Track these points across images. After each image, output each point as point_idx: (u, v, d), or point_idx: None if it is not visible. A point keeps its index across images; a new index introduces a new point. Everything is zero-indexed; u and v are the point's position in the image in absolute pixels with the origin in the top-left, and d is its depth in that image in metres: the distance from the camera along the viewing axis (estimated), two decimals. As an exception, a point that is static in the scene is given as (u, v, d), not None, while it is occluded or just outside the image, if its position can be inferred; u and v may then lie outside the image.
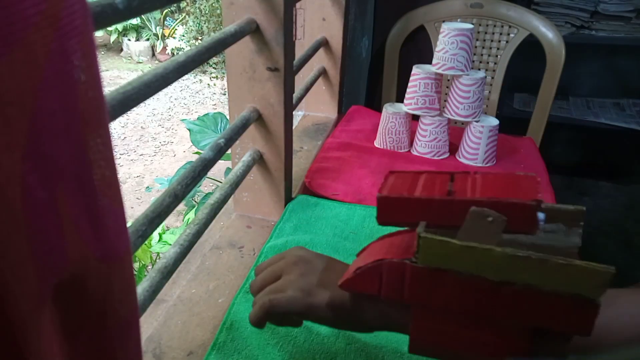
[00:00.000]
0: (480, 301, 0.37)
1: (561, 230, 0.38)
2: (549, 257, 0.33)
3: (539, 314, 0.35)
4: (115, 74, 4.52)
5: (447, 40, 0.92)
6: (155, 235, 1.78)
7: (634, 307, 0.38)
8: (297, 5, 1.08)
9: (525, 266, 0.34)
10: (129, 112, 0.51)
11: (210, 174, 1.91)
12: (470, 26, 0.92)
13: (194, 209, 1.98)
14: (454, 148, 1.02)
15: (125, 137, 3.46)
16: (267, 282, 0.47)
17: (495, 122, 0.96)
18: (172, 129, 3.61)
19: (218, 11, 4.14)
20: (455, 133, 1.06)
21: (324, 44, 1.13)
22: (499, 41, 1.43)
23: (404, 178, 0.43)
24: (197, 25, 4.34)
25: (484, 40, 1.44)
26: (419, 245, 0.37)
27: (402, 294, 0.39)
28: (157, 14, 4.75)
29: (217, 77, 4.45)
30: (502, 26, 1.41)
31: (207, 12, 4.19)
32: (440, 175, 0.42)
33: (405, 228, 0.43)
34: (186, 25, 4.55)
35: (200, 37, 4.39)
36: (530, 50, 1.40)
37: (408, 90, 0.98)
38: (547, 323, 0.36)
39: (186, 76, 4.40)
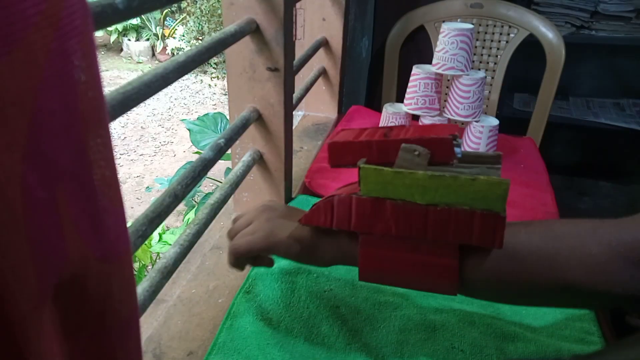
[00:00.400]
0: (413, 224, 0.44)
1: (483, 171, 0.44)
2: (459, 174, 0.41)
3: (459, 231, 0.42)
4: (115, 74, 4.52)
5: (447, 40, 0.92)
6: (155, 235, 1.78)
7: (544, 227, 0.44)
8: (297, 5, 1.08)
9: (442, 184, 0.41)
10: (129, 112, 0.51)
11: (210, 174, 1.91)
12: (470, 26, 0.92)
13: (194, 209, 1.98)
14: (454, 148, 1.02)
15: (125, 137, 3.46)
16: (239, 229, 0.54)
17: (495, 122, 0.96)
18: (172, 129, 3.61)
19: (219, 11, 4.14)
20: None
21: (324, 44, 1.13)
22: (499, 41, 1.43)
23: (350, 131, 0.51)
24: (198, 25, 4.34)
25: (484, 40, 1.44)
26: (360, 176, 0.44)
27: (350, 224, 0.46)
28: (157, 14, 4.75)
29: (217, 77, 4.45)
30: (502, 26, 1.41)
31: (207, 12, 4.19)
32: (381, 128, 0.50)
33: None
34: (186, 25, 4.55)
35: (200, 37, 4.39)
36: (530, 50, 1.40)
37: (408, 90, 0.98)
38: (466, 239, 0.42)
39: (186, 76, 4.39)
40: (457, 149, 0.44)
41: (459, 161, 0.45)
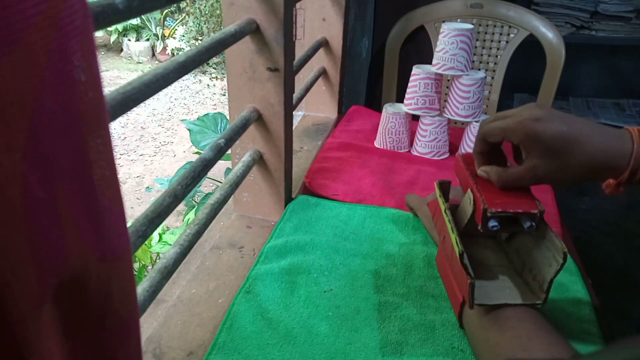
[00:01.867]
0: (447, 247, 0.59)
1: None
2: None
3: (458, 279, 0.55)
4: (115, 74, 4.52)
5: (447, 40, 0.92)
6: (155, 235, 1.78)
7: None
8: (297, 5, 1.08)
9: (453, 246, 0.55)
10: (129, 112, 0.51)
11: (210, 174, 1.91)
12: (470, 26, 0.92)
13: (194, 209, 1.98)
14: (454, 148, 1.02)
15: (125, 137, 3.46)
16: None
17: (495, 122, 0.96)
18: (172, 129, 3.61)
19: (218, 11, 4.14)
20: (455, 133, 1.06)
21: (324, 44, 1.13)
22: (499, 41, 1.43)
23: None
24: (197, 25, 4.34)
25: (484, 40, 1.44)
26: (436, 189, 0.64)
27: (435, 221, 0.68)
28: (157, 14, 4.75)
29: (217, 78, 4.45)
30: (502, 26, 1.41)
31: (206, 12, 4.19)
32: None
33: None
34: (186, 25, 4.55)
35: (200, 38, 4.39)
36: (530, 51, 1.40)
37: (408, 90, 0.98)
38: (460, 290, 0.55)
39: (186, 76, 4.39)
40: (528, 223, 0.52)
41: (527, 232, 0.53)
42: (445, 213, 0.58)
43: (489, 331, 0.50)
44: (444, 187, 0.63)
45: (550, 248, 0.51)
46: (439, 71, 0.94)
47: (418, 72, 0.96)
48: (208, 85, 4.37)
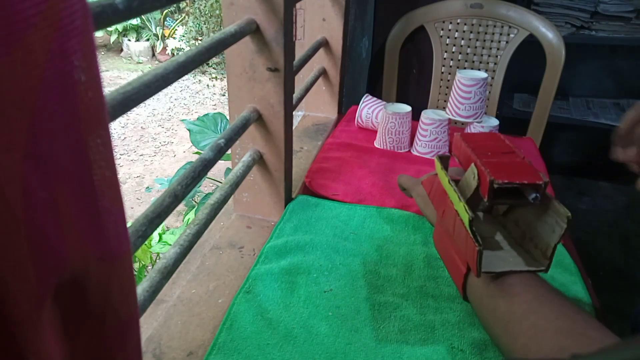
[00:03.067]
0: (449, 220, 0.58)
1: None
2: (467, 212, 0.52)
3: (463, 247, 0.55)
4: (115, 75, 4.52)
5: (463, 90, 0.94)
6: (155, 235, 1.78)
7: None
8: (297, 5, 1.08)
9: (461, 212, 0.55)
10: (129, 112, 0.51)
11: (210, 174, 1.91)
12: (485, 75, 0.93)
13: (194, 210, 1.98)
14: (454, 148, 1.02)
15: (125, 138, 3.46)
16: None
17: (495, 122, 0.96)
18: (172, 129, 3.61)
19: (217, 11, 4.14)
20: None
21: (324, 44, 1.13)
22: (499, 41, 1.43)
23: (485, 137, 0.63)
24: (197, 25, 4.34)
25: (484, 40, 1.44)
26: (436, 163, 0.63)
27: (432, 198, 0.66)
28: (157, 15, 4.75)
29: (216, 78, 4.45)
30: (502, 26, 1.41)
31: (206, 12, 4.19)
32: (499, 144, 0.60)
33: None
34: (186, 25, 4.55)
35: (200, 38, 4.39)
36: (530, 51, 1.40)
37: (420, 134, 0.99)
38: (466, 258, 0.55)
39: (186, 76, 4.39)
40: (533, 194, 0.51)
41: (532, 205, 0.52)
42: (450, 183, 0.57)
43: (497, 299, 0.51)
44: (444, 162, 0.62)
45: (553, 215, 0.52)
46: (455, 118, 0.96)
47: (431, 121, 0.96)
48: (208, 85, 4.37)
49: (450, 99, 0.97)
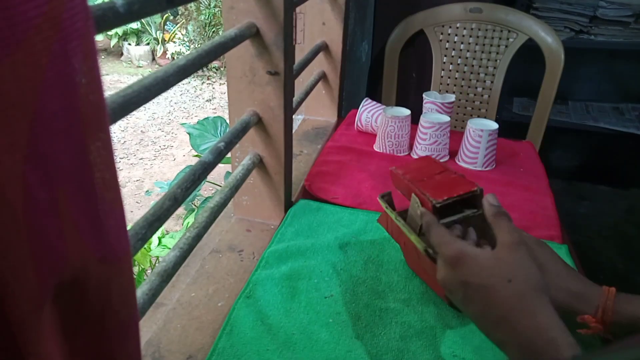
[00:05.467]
0: (411, 254, 0.65)
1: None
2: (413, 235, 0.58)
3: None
4: (116, 78, 4.53)
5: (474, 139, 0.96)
6: (154, 239, 1.78)
7: None
8: (297, 9, 1.09)
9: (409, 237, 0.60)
10: (128, 116, 0.51)
11: (210, 177, 1.91)
12: (496, 126, 0.96)
13: (194, 213, 1.98)
14: (453, 151, 1.02)
15: (125, 141, 3.46)
16: None
17: (494, 125, 0.96)
18: (172, 132, 3.62)
19: (215, 11, 4.16)
20: (455, 137, 1.06)
21: (323, 48, 1.14)
22: (499, 45, 1.43)
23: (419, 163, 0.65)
24: (194, 32, 4.36)
25: (484, 44, 1.44)
26: (381, 202, 0.65)
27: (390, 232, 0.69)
28: (157, 19, 4.76)
29: (217, 82, 4.46)
30: (502, 31, 1.42)
31: (207, 20, 4.21)
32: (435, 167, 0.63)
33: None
34: (186, 29, 4.56)
35: (199, 43, 4.41)
36: (529, 55, 1.41)
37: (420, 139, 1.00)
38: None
39: (186, 80, 4.41)
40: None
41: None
42: (397, 220, 0.61)
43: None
44: (387, 199, 0.65)
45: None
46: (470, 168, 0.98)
47: (431, 125, 0.97)
48: (199, 88, 4.38)
49: (461, 148, 1.00)
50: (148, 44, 4.82)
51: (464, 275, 0.47)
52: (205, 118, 1.90)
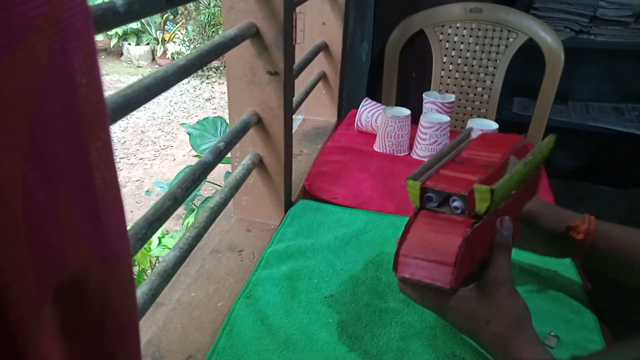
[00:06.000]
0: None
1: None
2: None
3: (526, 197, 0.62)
4: (116, 78, 4.53)
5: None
6: (154, 239, 1.78)
7: None
8: (297, 9, 1.09)
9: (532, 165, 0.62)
10: (128, 116, 0.51)
11: (210, 177, 1.91)
12: (496, 126, 0.96)
13: (194, 213, 1.98)
14: (453, 152, 1.02)
15: (125, 141, 3.46)
16: None
17: (494, 125, 0.96)
18: (172, 133, 3.62)
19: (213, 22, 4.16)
20: (455, 136, 1.06)
21: (323, 48, 1.14)
22: (499, 45, 1.43)
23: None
24: (194, 32, 4.36)
25: (484, 44, 1.44)
26: (477, 197, 0.51)
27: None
28: (157, 19, 4.76)
29: (216, 82, 4.46)
30: (502, 31, 1.42)
31: (206, 20, 4.21)
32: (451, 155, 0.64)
33: None
34: (185, 29, 4.56)
35: (199, 43, 4.41)
36: (529, 55, 1.41)
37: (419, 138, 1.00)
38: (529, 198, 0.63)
39: (186, 80, 4.41)
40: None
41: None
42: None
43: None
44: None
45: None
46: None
47: (431, 124, 0.97)
48: (196, 88, 4.38)
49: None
50: (148, 43, 4.82)
51: (449, 317, 0.49)
52: (205, 118, 1.90)
